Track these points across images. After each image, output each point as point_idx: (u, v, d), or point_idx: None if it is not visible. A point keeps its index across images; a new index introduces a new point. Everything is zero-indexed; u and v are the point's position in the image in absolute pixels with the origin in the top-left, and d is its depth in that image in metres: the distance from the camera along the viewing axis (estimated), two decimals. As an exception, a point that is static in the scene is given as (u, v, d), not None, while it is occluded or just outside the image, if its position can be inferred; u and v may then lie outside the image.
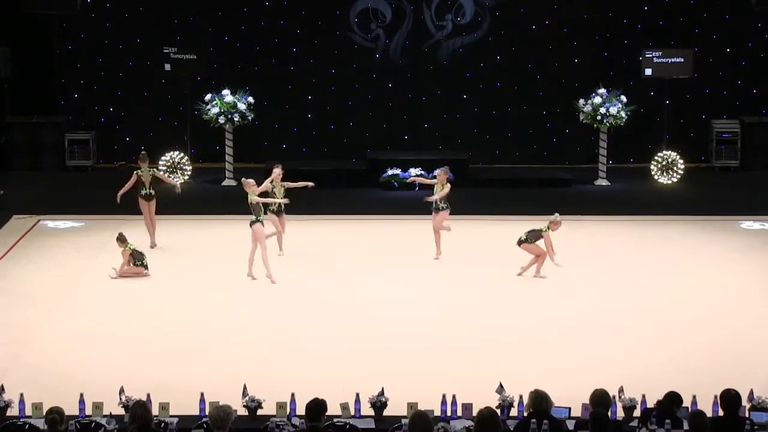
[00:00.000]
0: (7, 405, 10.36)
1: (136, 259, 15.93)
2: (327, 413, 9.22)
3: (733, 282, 15.79)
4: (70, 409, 9.67)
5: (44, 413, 9.29)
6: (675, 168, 22.18)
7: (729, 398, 9.40)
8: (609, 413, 9.42)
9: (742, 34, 23.46)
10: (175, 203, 18.44)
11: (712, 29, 23.43)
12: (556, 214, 15.78)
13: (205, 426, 9.34)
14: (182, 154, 22.02)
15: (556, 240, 16.09)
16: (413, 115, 23.77)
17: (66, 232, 18.42)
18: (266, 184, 16.54)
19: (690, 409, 9.94)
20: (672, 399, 9.69)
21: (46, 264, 16.60)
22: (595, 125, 21.99)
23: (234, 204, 20.03)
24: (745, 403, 10.06)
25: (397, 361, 12.71)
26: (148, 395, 10.06)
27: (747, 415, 9.91)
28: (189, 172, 22.01)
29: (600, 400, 9.29)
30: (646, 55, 22.29)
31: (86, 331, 13.76)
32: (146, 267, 15.93)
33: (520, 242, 15.83)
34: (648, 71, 22.34)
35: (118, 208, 17.33)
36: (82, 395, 10.18)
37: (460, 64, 23.60)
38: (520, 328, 13.93)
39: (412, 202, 20.48)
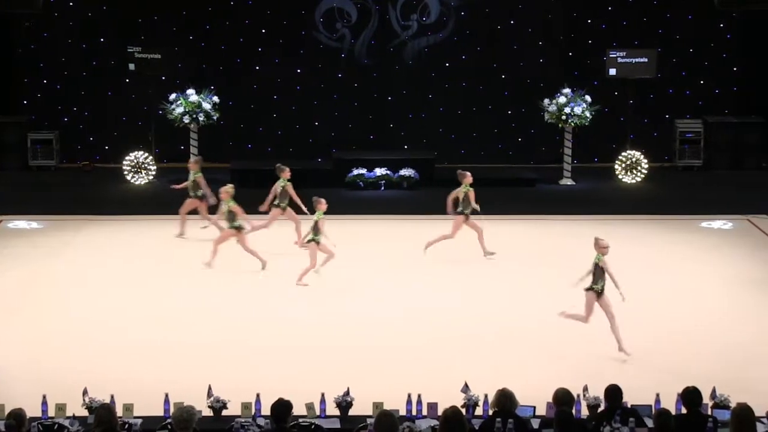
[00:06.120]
0: (-31, 407, 10.27)
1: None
2: (292, 413, 9.20)
3: (696, 281, 15.89)
4: (33, 410, 9.60)
5: (5, 416, 9.20)
6: (639, 167, 22.30)
7: (690, 395, 9.47)
8: (573, 412, 9.45)
9: (705, 34, 23.60)
10: (142, 203, 18.33)
11: (676, 29, 23.55)
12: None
13: (169, 427, 9.30)
14: (146, 154, 21.90)
15: (517, 239, 16.12)
16: (379, 114, 23.75)
17: (28, 233, 18.27)
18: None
19: (654, 408, 10.01)
20: (615, 395, 9.67)
21: (7, 265, 16.45)
22: (559, 125, 22.06)
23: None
24: (708, 400, 10.14)
25: (362, 361, 12.71)
26: (112, 396, 10.01)
27: (710, 412, 9.98)
28: (153, 172, 21.90)
29: (563, 399, 9.31)
30: (610, 55, 22.39)
31: (48, 332, 13.65)
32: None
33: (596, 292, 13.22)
34: (612, 71, 22.44)
35: (81, 208, 17.20)
36: (44, 396, 10.11)
37: (425, 63, 23.61)
38: (483, 328, 13.95)
39: (378, 202, 20.51)
